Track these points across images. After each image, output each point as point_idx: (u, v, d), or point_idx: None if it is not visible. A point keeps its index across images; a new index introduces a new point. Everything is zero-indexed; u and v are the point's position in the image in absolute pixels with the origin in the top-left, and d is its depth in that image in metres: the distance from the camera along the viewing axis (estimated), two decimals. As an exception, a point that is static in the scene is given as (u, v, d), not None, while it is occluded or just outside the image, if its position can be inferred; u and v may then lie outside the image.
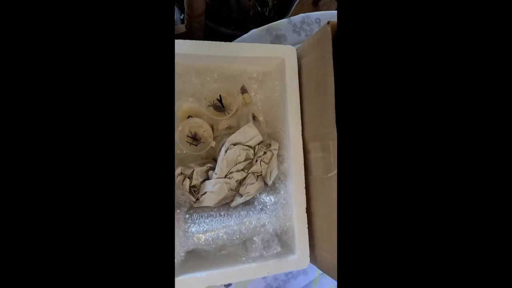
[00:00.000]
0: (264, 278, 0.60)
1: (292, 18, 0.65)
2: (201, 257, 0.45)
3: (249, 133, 0.46)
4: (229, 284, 0.58)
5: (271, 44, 0.47)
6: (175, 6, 1.10)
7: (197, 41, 0.42)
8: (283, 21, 0.64)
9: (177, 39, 0.69)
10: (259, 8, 1.23)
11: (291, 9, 1.05)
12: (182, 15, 1.17)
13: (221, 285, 0.56)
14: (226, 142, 0.44)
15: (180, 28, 0.67)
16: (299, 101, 0.45)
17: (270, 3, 1.22)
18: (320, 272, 0.64)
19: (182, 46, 0.41)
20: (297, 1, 1.01)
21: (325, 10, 1.02)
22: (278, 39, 0.63)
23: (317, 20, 0.66)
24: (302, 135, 0.46)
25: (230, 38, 1.08)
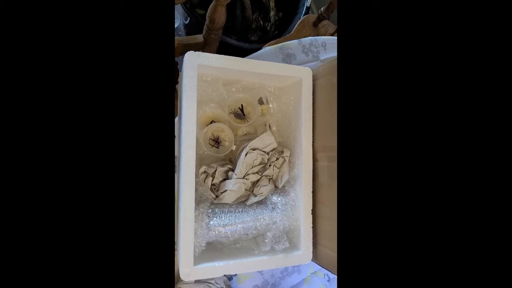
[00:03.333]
0: (262, 274, 0.66)
1: (302, 40, 0.72)
2: (217, 250, 0.49)
3: (266, 140, 0.51)
4: (231, 278, 0.63)
5: (291, 65, 0.53)
6: (184, 10, 1.14)
7: (227, 56, 0.47)
8: (294, 42, 0.71)
9: (194, 48, 0.74)
10: (261, 22, 1.30)
11: (292, 28, 1.13)
12: (188, 19, 1.21)
13: (224, 280, 0.60)
14: (247, 147, 0.50)
15: (198, 38, 0.72)
16: (311, 116, 0.52)
17: (272, 19, 1.30)
18: (312, 271, 0.70)
19: (213, 60, 0.47)
20: (299, 21, 1.09)
21: (324, 31, 1.11)
22: (288, 57, 0.70)
23: (323, 44, 0.74)
24: (312, 145, 0.52)
25: (236, 48, 1.14)
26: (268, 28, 1.30)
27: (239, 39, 1.18)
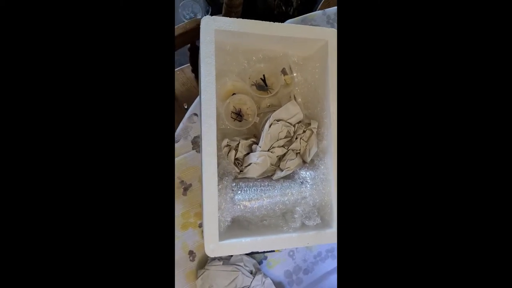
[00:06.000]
0: (293, 259, 0.62)
1: (327, 10, 0.67)
2: (243, 227, 0.47)
3: (292, 110, 0.48)
4: (261, 262, 0.60)
5: (315, 27, 0.49)
6: (206, 2, 1.14)
7: (246, 19, 0.45)
8: (318, 12, 0.67)
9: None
10: (283, 8, 1.26)
11: (316, 8, 1.09)
12: (210, 9, 1.22)
13: (253, 264, 0.58)
14: (271, 118, 0.47)
15: (218, 18, 0.70)
16: (340, 81, 0.48)
17: (294, 3, 1.25)
18: (348, 257, 0.65)
19: (231, 24, 0.44)
20: (323, 0, 1.04)
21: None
22: (312, 29, 0.66)
23: (350, 13, 0.69)
24: (342, 114, 0.48)
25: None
26: (291, 13, 1.26)
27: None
